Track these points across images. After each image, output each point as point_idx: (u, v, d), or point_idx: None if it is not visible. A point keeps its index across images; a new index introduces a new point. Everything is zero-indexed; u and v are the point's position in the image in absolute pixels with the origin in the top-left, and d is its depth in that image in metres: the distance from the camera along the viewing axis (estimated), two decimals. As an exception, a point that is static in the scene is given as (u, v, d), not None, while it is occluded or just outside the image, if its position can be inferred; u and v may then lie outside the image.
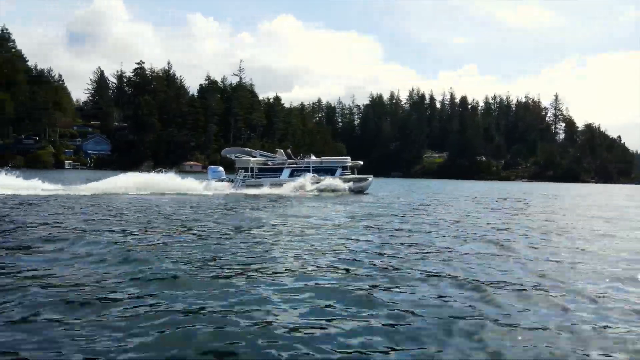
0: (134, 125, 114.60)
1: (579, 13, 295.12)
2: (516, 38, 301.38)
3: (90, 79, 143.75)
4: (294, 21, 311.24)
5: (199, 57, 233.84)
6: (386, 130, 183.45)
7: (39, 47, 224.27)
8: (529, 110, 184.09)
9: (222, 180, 23.95)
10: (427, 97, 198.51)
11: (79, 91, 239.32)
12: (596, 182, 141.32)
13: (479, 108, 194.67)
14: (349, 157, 26.30)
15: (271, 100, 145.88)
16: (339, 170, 25.27)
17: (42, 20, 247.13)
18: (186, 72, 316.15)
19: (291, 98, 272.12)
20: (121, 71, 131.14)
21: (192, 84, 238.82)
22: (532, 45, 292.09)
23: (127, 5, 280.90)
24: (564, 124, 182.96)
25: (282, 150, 25.34)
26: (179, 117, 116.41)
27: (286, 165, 24.38)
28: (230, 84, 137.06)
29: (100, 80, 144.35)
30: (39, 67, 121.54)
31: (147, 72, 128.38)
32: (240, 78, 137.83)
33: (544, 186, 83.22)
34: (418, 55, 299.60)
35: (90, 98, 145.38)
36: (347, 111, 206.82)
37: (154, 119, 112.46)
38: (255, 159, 24.46)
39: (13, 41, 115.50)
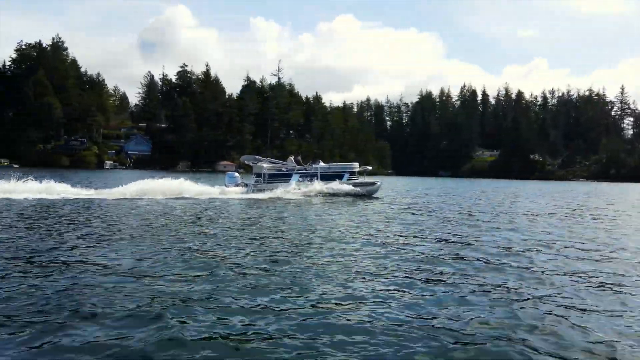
0: (173, 126, 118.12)
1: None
2: (591, 28, 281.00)
3: (141, 83, 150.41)
4: (353, 21, 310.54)
5: (261, 60, 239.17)
6: (434, 128, 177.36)
7: (114, 55, 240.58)
8: (592, 105, 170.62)
9: (237, 185, 24.92)
10: (480, 93, 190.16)
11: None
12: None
13: (538, 103, 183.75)
14: (356, 163, 27.37)
15: (311, 100, 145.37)
16: (346, 175, 25.85)
17: (117, 30, 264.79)
18: (251, 74, 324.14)
19: (351, 97, 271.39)
20: (164, 74, 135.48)
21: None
22: (609, 35, 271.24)
23: (194, 12, 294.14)
24: (632, 119, 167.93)
25: (292, 157, 26.42)
26: (214, 118, 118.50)
27: (295, 171, 25.27)
28: (270, 84, 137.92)
29: (150, 84, 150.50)
30: (91, 73, 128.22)
31: (189, 75, 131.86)
32: (279, 78, 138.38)
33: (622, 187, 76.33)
34: (482, 50, 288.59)
35: (141, 101, 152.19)
36: (395, 109, 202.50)
37: (190, 119, 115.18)
38: (267, 166, 25.50)
39: (66, 49, 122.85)
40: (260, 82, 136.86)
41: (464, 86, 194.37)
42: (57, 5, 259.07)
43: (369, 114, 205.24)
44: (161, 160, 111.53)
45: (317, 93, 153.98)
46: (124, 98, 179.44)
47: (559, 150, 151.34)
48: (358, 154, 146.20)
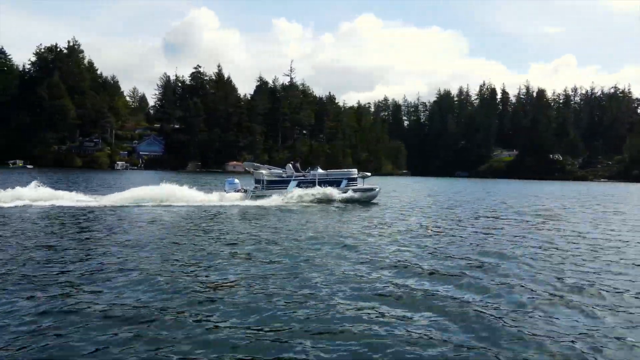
0: (184, 126, 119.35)
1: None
2: (623, 22, 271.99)
3: (157, 84, 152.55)
4: (375, 20, 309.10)
5: (283, 61, 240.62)
6: (452, 127, 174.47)
7: (139, 58, 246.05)
8: (617, 102, 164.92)
9: (237, 191, 25.08)
10: (499, 91, 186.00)
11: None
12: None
13: (560, 101, 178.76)
14: (355, 169, 27.42)
15: (324, 99, 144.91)
16: (344, 182, 25.90)
17: (142, 33, 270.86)
18: (270, 75, 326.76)
19: (373, 97, 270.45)
20: (176, 76, 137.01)
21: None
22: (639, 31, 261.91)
23: (217, 13, 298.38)
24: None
25: (290, 164, 26.38)
26: (225, 118, 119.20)
27: (293, 178, 25.29)
28: (283, 84, 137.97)
29: (166, 85, 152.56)
30: (105, 75, 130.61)
31: (201, 76, 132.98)
32: (291, 78, 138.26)
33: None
34: (506, 48, 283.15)
35: (158, 102, 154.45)
36: (413, 109, 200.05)
37: (200, 120, 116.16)
38: (267, 172, 25.69)
39: (82, 51, 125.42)
40: (273, 82, 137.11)
41: (483, 85, 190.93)
42: (84, 10, 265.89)
43: (386, 113, 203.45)
44: (172, 161, 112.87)
45: (330, 93, 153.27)
46: (143, 99, 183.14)
47: (580, 150, 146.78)
48: (370, 154, 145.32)
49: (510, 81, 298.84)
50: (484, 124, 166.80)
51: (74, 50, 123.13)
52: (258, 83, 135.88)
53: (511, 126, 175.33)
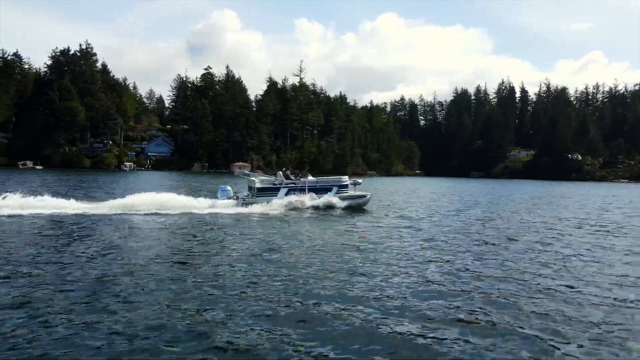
0: (191, 127, 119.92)
1: None
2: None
3: (171, 86, 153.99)
4: (396, 19, 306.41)
5: (304, 61, 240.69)
6: (468, 127, 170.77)
7: (162, 60, 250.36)
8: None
9: (229, 198, 25.32)
10: (518, 89, 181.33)
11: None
12: None
13: (583, 99, 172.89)
14: (346, 176, 27.82)
15: (336, 99, 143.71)
16: (334, 189, 26.18)
17: (166, 36, 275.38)
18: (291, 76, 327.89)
19: (394, 97, 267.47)
20: (186, 77, 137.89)
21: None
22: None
23: (239, 15, 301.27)
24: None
25: (281, 172, 26.84)
26: (231, 119, 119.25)
27: (283, 185, 25.54)
28: (293, 84, 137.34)
29: (179, 87, 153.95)
30: (117, 77, 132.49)
31: (212, 77, 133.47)
32: (301, 78, 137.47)
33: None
34: (532, 45, 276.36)
35: (172, 104, 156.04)
36: (429, 108, 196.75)
37: (208, 121, 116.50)
38: (258, 179, 26.14)
39: (95, 54, 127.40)
40: (283, 82, 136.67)
41: (502, 83, 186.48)
42: (111, 13, 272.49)
43: (402, 113, 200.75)
44: (178, 162, 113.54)
45: (341, 92, 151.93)
46: (160, 101, 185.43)
47: (600, 150, 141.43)
48: (381, 154, 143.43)
49: (535, 79, 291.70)
50: (501, 123, 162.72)
51: (87, 53, 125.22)
52: (268, 83, 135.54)
53: (531, 125, 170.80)
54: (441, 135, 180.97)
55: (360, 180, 28.14)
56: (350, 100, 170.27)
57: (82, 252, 11.94)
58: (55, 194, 25.21)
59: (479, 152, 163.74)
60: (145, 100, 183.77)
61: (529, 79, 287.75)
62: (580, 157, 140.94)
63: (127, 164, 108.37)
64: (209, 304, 7.97)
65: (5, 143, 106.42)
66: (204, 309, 7.67)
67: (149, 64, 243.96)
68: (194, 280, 9.47)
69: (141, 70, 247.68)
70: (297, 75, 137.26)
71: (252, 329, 6.86)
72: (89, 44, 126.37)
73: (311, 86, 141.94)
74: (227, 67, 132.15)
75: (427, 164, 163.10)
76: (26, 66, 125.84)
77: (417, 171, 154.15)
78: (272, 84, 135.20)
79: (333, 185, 26.24)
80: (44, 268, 10.13)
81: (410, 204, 32.14)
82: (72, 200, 22.00)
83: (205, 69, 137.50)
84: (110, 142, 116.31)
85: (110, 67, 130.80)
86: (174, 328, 6.85)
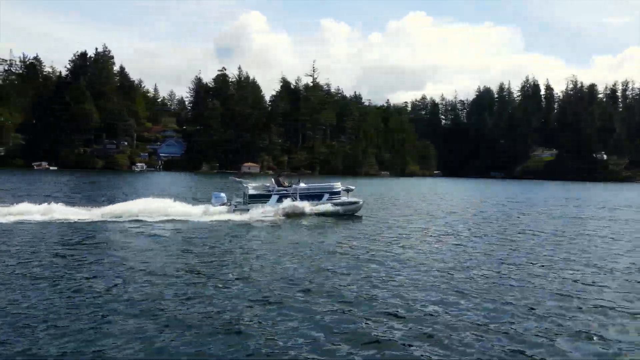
0: (203, 128, 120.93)
1: None
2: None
3: (189, 87, 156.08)
4: (424, 17, 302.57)
5: (331, 61, 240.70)
6: (489, 126, 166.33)
7: (191, 62, 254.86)
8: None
9: (223, 205, 25.46)
10: (543, 87, 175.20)
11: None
12: None
13: (609, 96, 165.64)
14: (339, 183, 27.88)
15: (351, 99, 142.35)
16: (326, 196, 26.21)
17: (194, 39, 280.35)
18: (324, 77, 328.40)
19: (420, 96, 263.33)
20: (199, 78, 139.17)
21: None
22: None
23: (266, 16, 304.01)
24: None
25: (272, 179, 27.11)
26: (242, 120, 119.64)
27: (274, 192, 25.65)
28: (306, 84, 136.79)
29: (197, 88, 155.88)
30: (133, 79, 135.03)
31: (225, 78, 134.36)
32: (314, 78, 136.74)
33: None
34: (566, 41, 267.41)
35: (190, 105, 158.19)
36: (450, 107, 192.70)
37: (218, 122, 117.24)
38: (251, 186, 26.43)
39: (112, 57, 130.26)
40: (295, 82, 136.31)
41: (526, 81, 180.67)
42: (138, 17, 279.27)
43: (424, 112, 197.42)
44: (187, 162, 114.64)
45: (355, 92, 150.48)
46: (181, 102, 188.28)
47: (627, 149, 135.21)
48: (395, 155, 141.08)
49: (571, 77, 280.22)
50: (523, 122, 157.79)
51: (103, 57, 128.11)
52: (280, 83, 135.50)
53: (556, 124, 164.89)
54: (462, 134, 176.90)
55: (352, 187, 28.02)
56: (373, 100, 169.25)
57: (73, 261, 11.94)
58: (52, 198, 24.63)
59: (500, 151, 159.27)
60: (166, 102, 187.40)
61: (563, 76, 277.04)
62: (605, 157, 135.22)
63: (138, 164, 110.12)
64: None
65: (22, 144, 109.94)
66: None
67: (178, 66, 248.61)
68: (200, 292, 9.49)
69: (171, 73, 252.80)
70: (310, 76, 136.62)
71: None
72: (106, 47, 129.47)
73: (325, 86, 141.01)
74: (239, 68, 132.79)
75: (446, 164, 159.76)
76: (49, 69, 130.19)
77: (434, 172, 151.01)
78: (285, 84, 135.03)
79: (324, 192, 26.18)
80: (34, 276, 10.28)
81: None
82: (60, 205, 21.39)
83: (220, 70, 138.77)
84: (125, 144, 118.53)
85: (136, 70, 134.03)
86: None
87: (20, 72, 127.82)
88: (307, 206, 24.83)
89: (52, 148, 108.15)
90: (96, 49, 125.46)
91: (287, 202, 24.72)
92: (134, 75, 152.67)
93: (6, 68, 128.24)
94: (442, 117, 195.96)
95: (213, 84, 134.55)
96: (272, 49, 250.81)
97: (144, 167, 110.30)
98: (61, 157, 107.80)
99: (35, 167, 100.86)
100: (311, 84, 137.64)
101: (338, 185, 26.90)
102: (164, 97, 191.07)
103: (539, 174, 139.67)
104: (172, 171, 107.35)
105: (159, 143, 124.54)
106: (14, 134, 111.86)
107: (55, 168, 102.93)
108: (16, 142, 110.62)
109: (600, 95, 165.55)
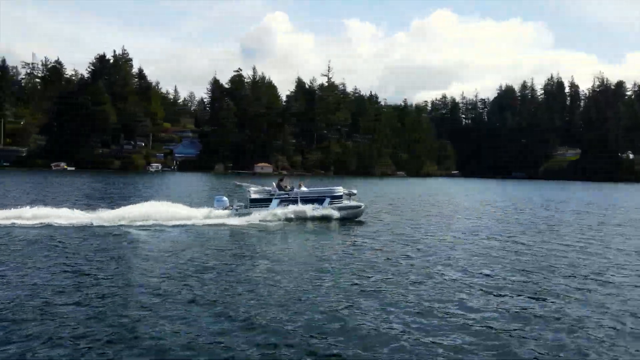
0: (217, 128, 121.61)
1: None
2: None
3: (207, 88, 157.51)
4: (450, 15, 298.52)
5: (355, 61, 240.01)
6: (511, 125, 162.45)
7: (216, 63, 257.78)
8: None
9: (225, 209, 25.59)
10: (567, 84, 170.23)
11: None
12: None
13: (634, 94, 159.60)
14: (340, 187, 27.40)
15: (367, 99, 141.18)
16: (327, 200, 26.01)
17: (221, 40, 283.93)
18: (343, 77, 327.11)
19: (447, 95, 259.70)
20: (215, 79, 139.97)
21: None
22: None
23: (291, 17, 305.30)
24: None
25: (274, 183, 26.79)
26: (256, 120, 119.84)
27: (275, 196, 25.61)
28: (321, 84, 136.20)
29: (214, 88, 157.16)
30: (150, 81, 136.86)
31: (241, 79, 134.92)
32: (329, 78, 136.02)
33: None
34: (597, 37, 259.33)
35: (208, 106, 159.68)
36: (471, 106, 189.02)
37: (232, 122, 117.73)
38: (253, 189, 26.28)
39: (131, 59, 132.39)
40: (310, 82, 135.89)
41: (550, 78, 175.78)
42: (164, 20, 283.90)
43: (444, 111, 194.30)
44: (201, 163, 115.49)
45: (371, 92, 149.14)
46: (200, 103, 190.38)
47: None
48: (411, 155, 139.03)
49: (601, 74, 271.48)
50: (546, 121, 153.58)
51: (122, 59, 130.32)
52: (295, 83, 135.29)
53: (581, 122, 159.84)
54: (482, 133, 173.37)
55: (355, 191, 27.71)
56: (399, 100, 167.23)
57: (76, 265, 12.03)
58: (58, 201, 25.11)
59: (522, 151, 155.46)
60: (187, 103, 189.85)
61: (594, 73, 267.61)
62: (632, 156, 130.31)
63: (153, 165, 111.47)
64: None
65: (42, 145, 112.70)
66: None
67: (205, 67, 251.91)
68: (207, 297, 9.56)
69: (197, 74, 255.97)
70: (325, 75, 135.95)
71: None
72: (124, 50, 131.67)
73: (341, 86, 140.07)
74: (254, 68, 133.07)
75: (468, 164, 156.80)
76: (72, 72, 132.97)
77: (453, 172, 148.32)
78: (299, 84, 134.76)
79: (326, 196, 25.91)
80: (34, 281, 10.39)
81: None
82: (64, 209, 21.47)
83: (236, 71, 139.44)
84: (142, 144, 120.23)
85: (164, 70, 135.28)
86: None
87: (43, 75, 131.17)
88: (307, 210, 24.60)
89: (70, 149, 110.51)
90: (114, 51, 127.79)
91: (288, 207, 24.60)
92: (159, 77, 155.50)
93: (29, 71, 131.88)
94: (463, 116, 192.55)
95: (228, 84, 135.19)
96: (297, 49, 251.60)
97: (159, 167, 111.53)
98: (79, 157, 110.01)
99: (53, 168, 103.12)
100: (326, 84, 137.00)
101: (339, 189, 26.59)
102: (184, 98, 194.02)
103: (562, 173, 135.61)
104: (186, 171, 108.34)
105: (174, 143, 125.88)
106: (35, 136, 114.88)
107: (73, 168, 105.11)
108: (37, 143, 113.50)
109: (628, 93, 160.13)
